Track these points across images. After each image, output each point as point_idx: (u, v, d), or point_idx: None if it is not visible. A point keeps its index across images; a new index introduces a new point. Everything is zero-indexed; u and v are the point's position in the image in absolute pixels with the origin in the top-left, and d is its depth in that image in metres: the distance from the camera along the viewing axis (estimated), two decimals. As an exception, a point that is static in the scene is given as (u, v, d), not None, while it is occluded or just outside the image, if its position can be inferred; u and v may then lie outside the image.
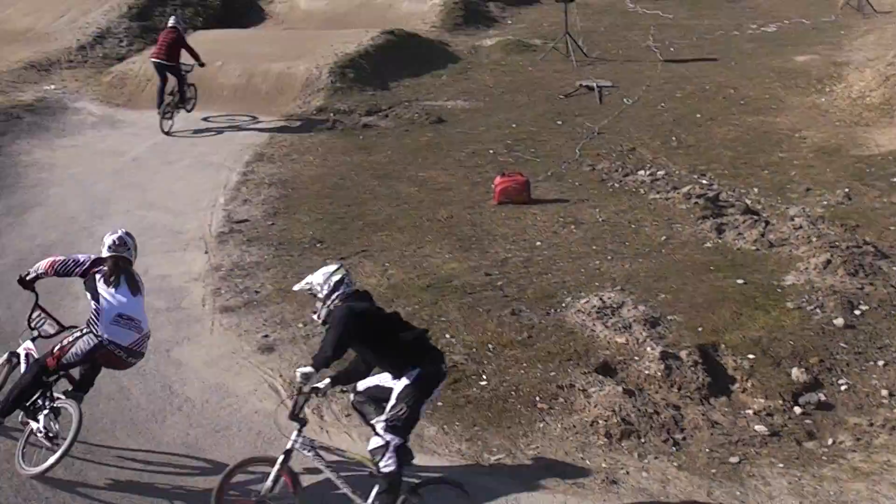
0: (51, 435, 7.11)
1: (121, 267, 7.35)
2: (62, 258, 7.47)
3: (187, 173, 14.43)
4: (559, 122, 16.12)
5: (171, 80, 16.73)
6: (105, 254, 7.40)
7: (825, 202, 12.49)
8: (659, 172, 13.54)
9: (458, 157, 14.61)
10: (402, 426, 6.54)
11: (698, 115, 16.06)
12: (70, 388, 7.44)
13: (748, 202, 12.50)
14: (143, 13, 24.03)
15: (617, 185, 13.29)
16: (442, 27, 23.99)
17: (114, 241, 7.43)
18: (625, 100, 17.21)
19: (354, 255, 11.21)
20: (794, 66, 18.65)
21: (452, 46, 22.11)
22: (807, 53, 19.67)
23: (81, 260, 7.40)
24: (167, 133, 16.31)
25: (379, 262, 11.05)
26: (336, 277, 6.69)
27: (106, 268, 7.31)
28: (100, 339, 7.14)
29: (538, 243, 11.52)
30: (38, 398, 7.28)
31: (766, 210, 12.30)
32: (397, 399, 6.56)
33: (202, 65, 17.07)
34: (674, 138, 15.01)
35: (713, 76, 18.44)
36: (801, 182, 13.17)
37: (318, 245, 11.61)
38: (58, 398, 7.27)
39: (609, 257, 11.05)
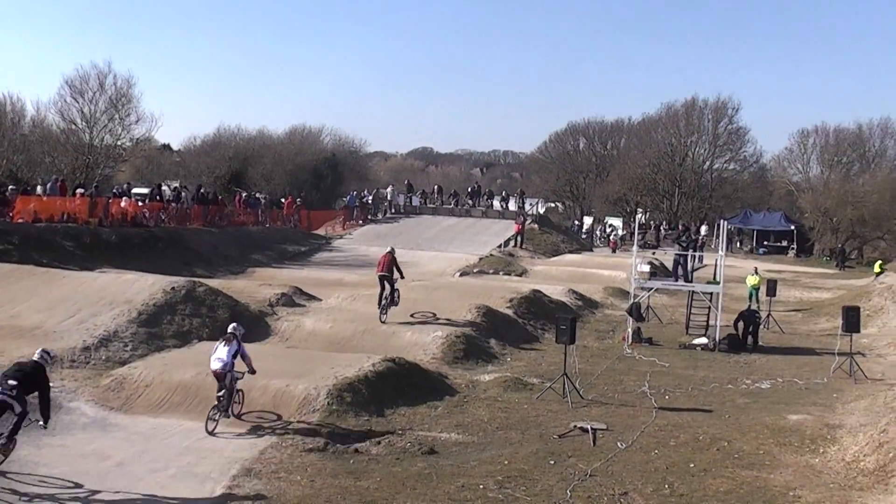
0: None
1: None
2: None
3: (171, 483, 14.18)
4: (552, 462, 15.98)
5: (387, 288, 27.37)
6: None
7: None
8: (650, 521, 13.28)
9: (447, 489, 14.38)
10: None
11: (692, 465, 15.94)
12: None
13: (740, 560, 12.16)
14: (152, 319, 24.56)
15: (607, 530, 12.99)
16: (442, 359, 24.36)
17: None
18: (618, 444, 17.15)
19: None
20: (788, 425, 18.71)
21: (451, 379, 22.34)
22: (800, 413, 19.80)
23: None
24: (384, 322, 26.90)
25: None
26: None
27: None
28: None
29: (523, 585, 11.10)
30: None
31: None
32: None
33: (402, 277, 28.23)
34: (666, 486, 14.83)
35: (707, 427, 18.46)
36: (794, 543, 12.87)
37: (296, 569, 11.20)
38: None
39: None
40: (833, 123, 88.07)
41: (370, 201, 65.12)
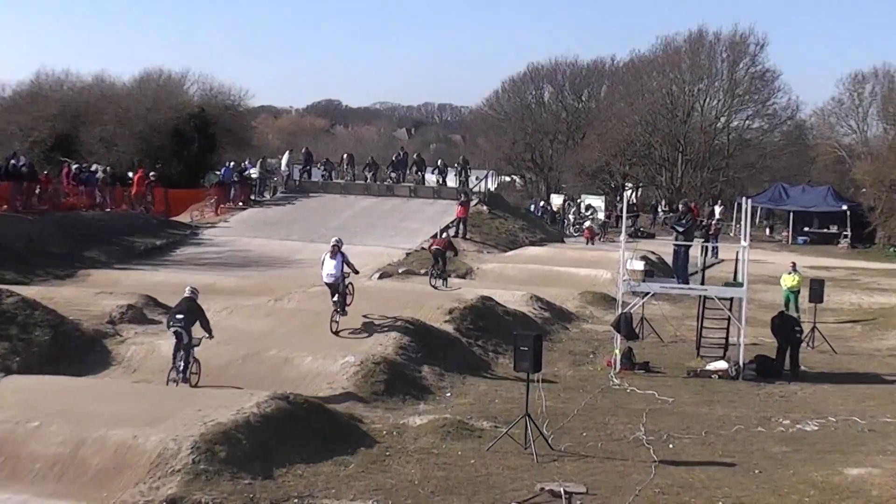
0: None
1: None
2: None
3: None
4: (511, 541, 15.88)
5: (440, 263, 41.21)
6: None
7: None
8: None
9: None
10: None
11: (707, 543, 15.92)
12: None
13: None
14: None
15: None
16: (356, 395, 24.22)
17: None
18: (605, 513, 17.11)
19: None
20: (845, 483, 18.77)
21: (367, 423, 22.19)
22: (862, 465, 19.89)
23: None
24: (434, 287, 40.07)
25: None
26: None
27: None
28: None
29: None
30: None
31: None
32: None
33: (456, 254, 44.21)
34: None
35: (729, 488, 18.49)
36: None
37: None
38: None
39: None
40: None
41: (254, 175, 64.64)
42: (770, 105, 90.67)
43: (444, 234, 43.50)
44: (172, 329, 24.74)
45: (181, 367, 24.48)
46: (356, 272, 29.99)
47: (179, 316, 24.76)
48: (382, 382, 25.26)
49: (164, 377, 24.68)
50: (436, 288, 39.88)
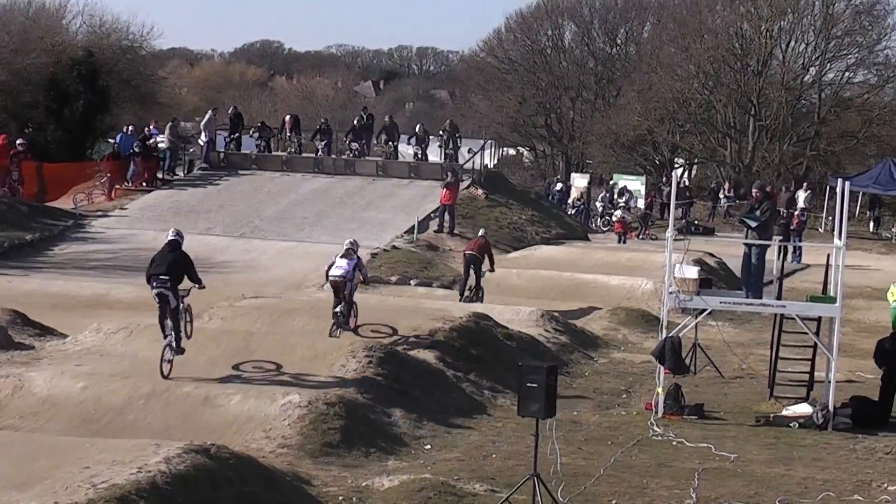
0: None
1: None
2: None
3: None
4: None
5: (472, 277, 42.62)
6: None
7: None
8: None
9: None
10: None
11: None
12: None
13: None
14: None
15: None
16: (301, 447, 24.28)
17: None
18: None
19: None
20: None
21: (318, 486, 22.26)
22: None
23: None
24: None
25: None
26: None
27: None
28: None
29: None
30: None
31: None
32: None
33: (493, 270, 43.44)
34: None
35: None
36: None
37: None
38: None
39: None
40: None
41: (162, 145, 64.45)
42: (879, 51, 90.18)
43: (481, 234, 44.34)
44: (155, 291, 27.65)
45: (174, 343, 27.54)
46: (366, 282, 34.63)
47: (164, 277, 27.56)
48: (338, 430, 25.30)
49: (37, 420, 24.71)
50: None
